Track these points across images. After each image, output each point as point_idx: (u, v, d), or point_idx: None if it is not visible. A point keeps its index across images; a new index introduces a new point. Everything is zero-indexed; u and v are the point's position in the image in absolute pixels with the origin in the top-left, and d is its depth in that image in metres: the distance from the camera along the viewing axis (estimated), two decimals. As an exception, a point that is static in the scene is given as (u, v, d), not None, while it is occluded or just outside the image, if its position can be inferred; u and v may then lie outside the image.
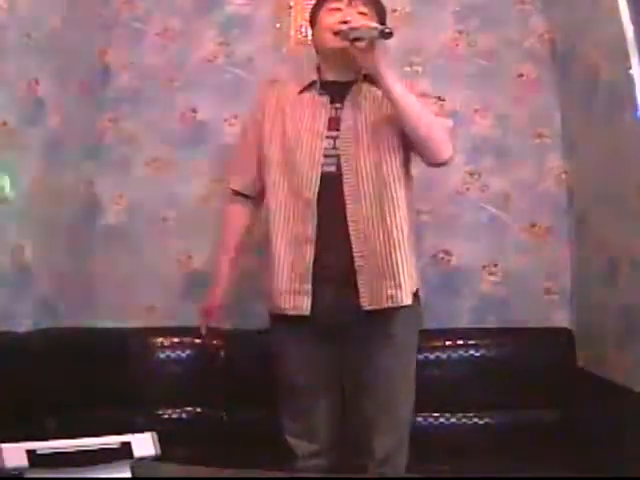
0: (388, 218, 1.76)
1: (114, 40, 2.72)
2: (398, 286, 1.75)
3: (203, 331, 1.98)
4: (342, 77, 1.85)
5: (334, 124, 1.81)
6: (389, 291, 1.75)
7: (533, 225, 2.52)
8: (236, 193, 1.99)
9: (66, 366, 2.10)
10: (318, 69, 1.90)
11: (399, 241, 1.76)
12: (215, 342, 2.40)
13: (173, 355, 2.41)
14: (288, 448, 1.84)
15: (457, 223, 2.53)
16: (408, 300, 1.77)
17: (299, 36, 2.65)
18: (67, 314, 2.42)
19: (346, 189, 1.76)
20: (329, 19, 1.83)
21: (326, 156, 1.79)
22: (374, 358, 1.77)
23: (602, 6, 2.11)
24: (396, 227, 1.76)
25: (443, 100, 2.57)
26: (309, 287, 1.75)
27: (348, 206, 1.76)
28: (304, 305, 1.76)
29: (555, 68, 2.56)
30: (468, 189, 2.54)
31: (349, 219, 1.75)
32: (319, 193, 1.77)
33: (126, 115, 2.69)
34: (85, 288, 2.58)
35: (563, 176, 2.52)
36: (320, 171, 1.78)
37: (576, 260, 2.46)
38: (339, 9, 1.83)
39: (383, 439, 1.77)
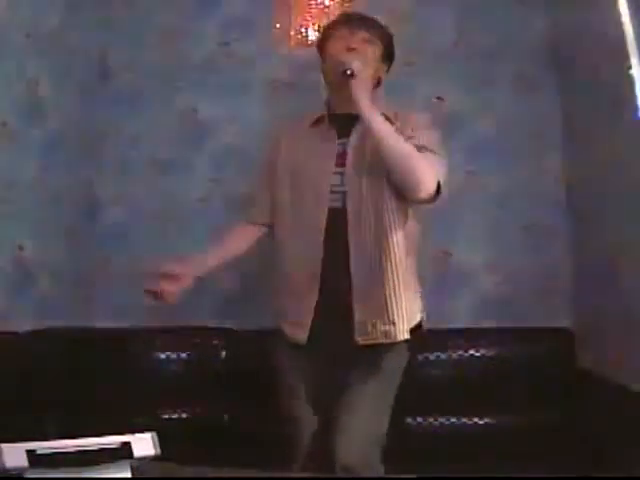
0: (384, 256, 1.78)
1: (114, 40, 2.72)
2: (392, 323, 1.78)
3: (151, 295, 1.77)
4: (349, 109, 1.79)
5: (341, 160, 1.82)
6: (383, 327, 1.78)
7: (533, 225, 2.52)
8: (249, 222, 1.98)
9: (66, 366, 2.10)
10: (327, 101, 1.91)
11: (394, 279, 1.78)
12: (215, 342, 2.40)
13: (173, 355, 2.41)
14: (283, 449, 1.86)
15: (457, 223, 2.53)
16: (402, 336, 1.79)
17: (299, 36, 2.64)
18: (67, 314, 2.42)
19: (350, 226, 1.78)
20: (334, 47, 1.84)
21: (333, 192, 1.80)
22: (357, 381, 1.79)
23: (602, 6, 2.11)
24: (391, 265, 1.78)
25: (443, 100, 2.57)
26: (309, 321, 1.78)
27: (351, 242, 1.77)
28: (302, 337, 1.79)
29: (555, 68, 2.56)
30: (468, 189, 2.54)
31: (352, 256, 1.77)
32: (326, 229, 1.78)
33: (126, 115, 2.69)
34: (85, 288, 2.58)
35: (563, 176, 2.52)
36: (327, 208, 1.79)
37: (576, 260, 2.46)
38: (343, 37, 1.83)
39: (345, 446, 1.75)
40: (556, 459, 2.02)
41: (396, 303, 1.78)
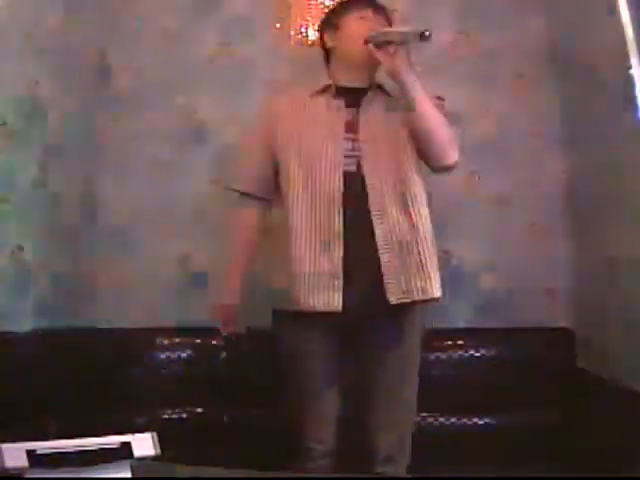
0: (412, 214, 1.81)
1: (114, 40, 2.72)
2: (427, 278, 1.79)
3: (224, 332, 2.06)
4: (357, 83, 1.89)
5: (352, 127, 1.85)
6: (419, 283, 1.78)
7: (533, 225, 2.52)
8: (246, 195, 1.97)
9: (66, 366, 2.10)
10: (331, 74, 1.94)
11: (424, 235, 1.81)
12: (215, 342, 2.40)
13: (173, 355, 2.41)
14: (304, 451, 1.84)
15: (457, 223, 2.53)
16: (437, 293, 1.81)
17: (299, 36, 2.65)
18: (67, 314, 2.42)
19: (369, 187, 1.80)
20: (359, 27, 1.87)
21: (346, 157, 1.83)
22: (387, 358, 1.80)
23: (602, 6, 2.11)
24: (420, 221, 1.81)
25: (443, 100, 2.57)
26: (340, 283, 1.76)
27: (371, 204, 1.79)
28: (335, 301, 1.76)
29: (555, 68, 2.56)
30: (468, 189, 2.54)
31: (374, 216, 1.79)
32: (342, 193, 1.80)
33: (126, 115, 2.69)
34: (85, 288, 2.58)
35: (563, 176, 2.52)
36: (342, 171, 1.81)
37: (576, 260, 2.46)
38: (367, 18, 1.88)
39: (386, 437, 1.79)
40: (556, 459, 2.02)
41: (429, 257, 1.81)
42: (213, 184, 2.61)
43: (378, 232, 1.78)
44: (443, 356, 2.33)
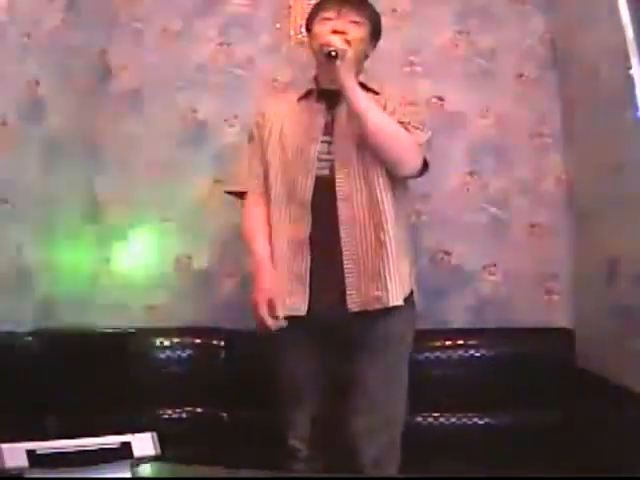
0: (376, 221, 1.79)
1: (114, 40, 2.72)
2: (384, 288, 1.77)
3: (274, 327, 1.77)
4: (335, 85, 1.85)
5: (329, 130, 1.86)
6: (375, 293, 1.77)
7: (533, 225, 2.52)
8: (247, 195, 1.95)
9: (66, 366, 2.10)
10: (315, 77, 1.96)
11: (386, 244, 1.78)
12: (215, 342, 2.40)
13: (173, 355, 2.41)
14: (290, 452, 1.83)
15: (457, 223, 2.53)
16: (395, 302, 1.78)
17: (299, 36, 2.65)
18: (67, 314, 2.42)
19: (339, 193, 1.80)
20: (321, 28, 1.88)
21: (320, 160, 1.83)
22: (364, 360, 1.79)
23: (602, 6, 2.11)
24: (383, 230, 1.78)
25: (443, 100, 2.57)
26: (306, 288, 1.78)
27: (340, 210, 1.79)
28: (300, 306, 1.78)
29: (555, 68, 2.55)
30: (468, 189, 2.54)
31: (341, 222, 1.79)
32: (313, 196, 1.81)
33: (126, 115, 2.69)
34: (85, 288, 2.58)
35: (563, 176, 2.52)
36: (314, 174, 1.81)
37: (576, 260, 2.46)
38: (330, 19, 1.88)
39: (371, 440, 1.77)
40: (556, 459, 2.02)
41: (388, 267, 1.77)
42: (213, 184, 2.62)
43: (344, 242, 1.78)
44: (443, 356, 2.33)
